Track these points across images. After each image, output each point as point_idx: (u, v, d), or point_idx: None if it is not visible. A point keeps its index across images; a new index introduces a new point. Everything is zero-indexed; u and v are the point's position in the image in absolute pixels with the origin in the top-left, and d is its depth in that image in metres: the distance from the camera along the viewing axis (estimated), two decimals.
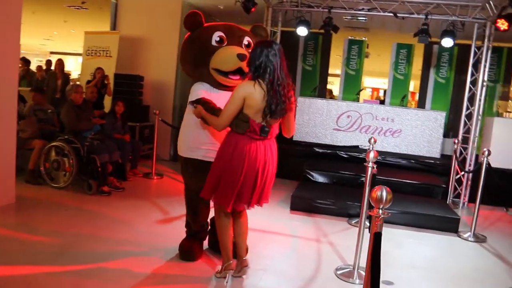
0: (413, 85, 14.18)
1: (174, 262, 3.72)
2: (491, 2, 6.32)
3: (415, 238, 5.09)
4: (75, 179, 5.65)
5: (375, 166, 3.71)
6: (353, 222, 5.37)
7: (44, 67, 10.05)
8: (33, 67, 10.65)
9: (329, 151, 7.69)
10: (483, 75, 6.77)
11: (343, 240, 4.73)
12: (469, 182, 6.86)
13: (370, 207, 3.33)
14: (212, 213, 3.58)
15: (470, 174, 6.76)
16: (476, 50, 6.90)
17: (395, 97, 9.39)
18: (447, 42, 6.89)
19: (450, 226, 5.36)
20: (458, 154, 6.73)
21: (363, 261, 3.64)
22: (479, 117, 6.90)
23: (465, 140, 7.04)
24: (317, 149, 7.70)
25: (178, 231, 4.16)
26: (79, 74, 11.34)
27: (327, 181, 6.70)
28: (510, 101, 9.01)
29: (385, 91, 11.93)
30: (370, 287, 2.21)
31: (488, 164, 5.19)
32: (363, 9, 7.24)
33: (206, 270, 3.61)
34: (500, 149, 6.72)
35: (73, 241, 3.99)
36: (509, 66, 9.04)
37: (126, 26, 8.74)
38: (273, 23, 7.68)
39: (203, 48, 3.52)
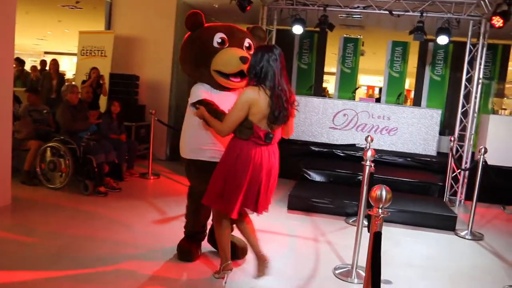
0: (409, 82, 14.21)
1: (173, 263, 3.71)
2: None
3: (412, 236, 5.10)
4: (71, 179, 5.63)
5: (372, 165, 3.71)
6: (350, 221, 5.37)
7: (39, 67, 10.00)
8: (27, 67, 10.58)
9: (325, 150, 7.69)
10: (479, 72, 6.79)
11: (341, 239, 4.73)
12: (466, 180, 6.88)
13: (368, 205, 3.34)
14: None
15: (467, 172, 6.78)
16: (472, 48, 6.91)
17: (391, 95, 9.40)
18: (443, 40, 6.91)
19: (447, 224, 5.38)
20: (454, 152, 6.75)
21: (362, 260, 3.64)
22: (475, 115, 6.92)
23: (461, 138, 7.06)
24: (313, 148, 7.70)
25: (176, 231, 4.14)
26: (74, 74, 11.30)
27: (324, 180, 6.71)
28: (505, 98, 9.03)
29: (380, 89, 11.95)
30: (371, 287, 2.20)
31: (485, 161, 5.20)
32: (358, 7, 7.24)
33: (204, 271, 3.60)
34: (496, 146, 6.74)
35: (70, 242, 3.98)
36: (504, 63, 9.07)
37: (120, 25, 8.71)
38: (268, 21, 7.67)
39: (204, 49, 3.49)
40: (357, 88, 10.00)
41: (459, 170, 6.88)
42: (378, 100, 9.85)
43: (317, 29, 7.44)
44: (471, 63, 6.92)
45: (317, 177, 6.73)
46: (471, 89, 6.92)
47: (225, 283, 3.32)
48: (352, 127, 8.02)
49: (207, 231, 3.95)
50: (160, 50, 8.51)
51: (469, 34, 6.91)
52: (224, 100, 3.36)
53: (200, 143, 3.48)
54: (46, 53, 21.87)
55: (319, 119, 8.12)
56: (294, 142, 7.83)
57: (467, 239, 5.14)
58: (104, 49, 8.28)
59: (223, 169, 3.08)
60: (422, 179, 6.64)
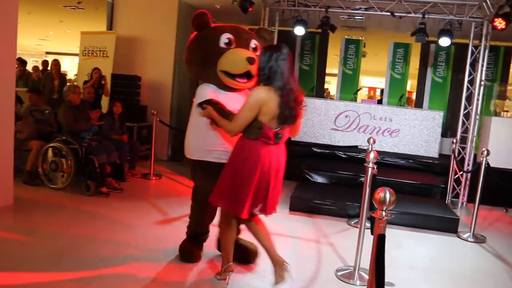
0: (410, 84, 14.20)
1: (175, 264, 3.70)
2: (488, 1, 6.32)
3: (414, 238, 5.09)
4: (73, 180, 5.63)
5: (375, 167, 3.70)
6: (352, 222, 5.36)
7: (41, 68, 10.00)
8: (29, 67, 10.59)
9: (327, 151, 7.68)
10: (481, 74, 6.78)
11: (343, 241, 4.73)
12: (468, 182, 6.86)
13: (370, 207, 3.33)
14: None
15: (469, 174, 6.77)
16: (474, 49, 6.91)
17: (393, 97, 9.40)
18: (444, 41, 6.89)
19: (449, 226, 5.36)
20: (456, 154, 6.74)
21: (364, 262, 3.64)
22: (477, 117, 6.91)
23: (463, 140, 7.04)
24: (315, 149, 7.69)
25: (178, 232, 4.14)
26: (75, 75, 11.30)
27: (326, 182, 6.70)
28: (507, 100, 9.01)
29: (382, 91, 11.93)
30: None
31: (488, 164, 5.18)
32: (360, 8, 7.24)
33: (206, 272, 3.60)
34: (498, 148, 6.74)
35: (72, 242, 3.97)
36: (506, 65, 9.07)
37: (122, 26, 8.70)
38: (270, 22, 7.66)
39: (211, 49, 3.48)
40: (358, 90, 9.99)
41: (461, 172, 6.87)
42: (379, 102, 9.84)
43: (319, 30, 7.41)
44: (473, 65, 6.92)
45: (319, 179, 6.72)
46: (473, 91, 6.91)
47: (227, 284, 3.31)
48: (354, 129, 8.02)
49: (217, 239, 3.89)
50: (161, 51, 8.51)
51: (471, 36, 6.90)
52: (231, 101, 3.34)
53: (206, 144, 3.44)
54: (48, 53, 21.89)
55: (321, 121, 8.12)
56: (296, 143, 7.82)
57: (469, 241, 5.13)
58: (106, 49, 8.28)
59: (232, 169, 3.07)
60: (424, 181, 6.63)
